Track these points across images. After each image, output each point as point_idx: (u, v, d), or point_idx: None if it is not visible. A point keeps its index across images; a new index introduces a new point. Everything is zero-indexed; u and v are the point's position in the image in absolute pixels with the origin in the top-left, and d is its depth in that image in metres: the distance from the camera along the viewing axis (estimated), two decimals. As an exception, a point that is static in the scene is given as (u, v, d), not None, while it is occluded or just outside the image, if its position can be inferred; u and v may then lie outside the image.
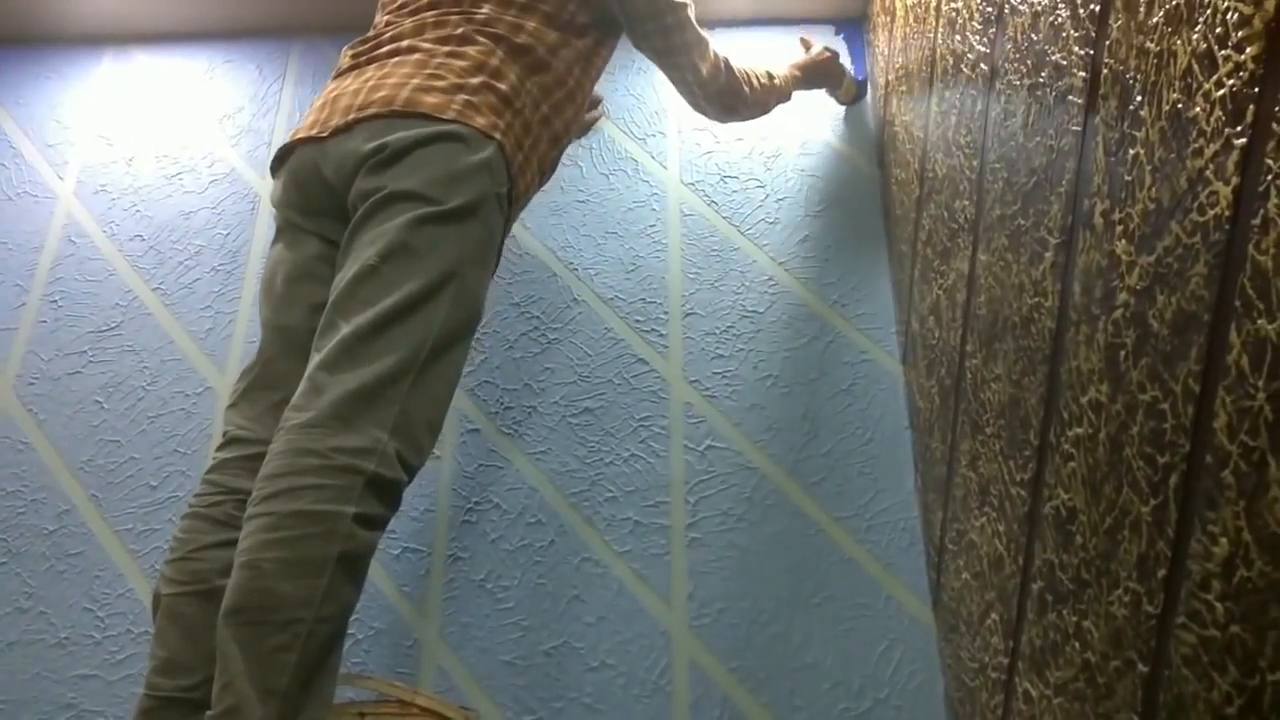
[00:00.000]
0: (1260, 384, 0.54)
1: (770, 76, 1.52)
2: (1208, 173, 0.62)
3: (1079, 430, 0.84)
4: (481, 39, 1.19)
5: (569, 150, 1.74)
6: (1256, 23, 0.57)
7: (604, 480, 1.43)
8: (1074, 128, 0.86)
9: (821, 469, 1.42)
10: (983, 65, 1.10)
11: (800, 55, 1.66)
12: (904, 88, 1.49)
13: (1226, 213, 0.60)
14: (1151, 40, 0.71)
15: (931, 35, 1.32)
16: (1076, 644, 0.85)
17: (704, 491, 1.41)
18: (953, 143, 1.22)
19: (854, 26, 1.85)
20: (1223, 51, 0.61)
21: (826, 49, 1.67)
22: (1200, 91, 0.64)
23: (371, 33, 1.27)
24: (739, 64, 1.46)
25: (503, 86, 1.18)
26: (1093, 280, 0.82)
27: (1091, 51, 0.82)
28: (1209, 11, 0.62)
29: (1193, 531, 0.62)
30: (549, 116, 1.24)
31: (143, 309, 1.63)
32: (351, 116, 1.13)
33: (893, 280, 1.57)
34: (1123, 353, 0.76)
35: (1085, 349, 0.83)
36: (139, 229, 1.71)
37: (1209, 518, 0.60)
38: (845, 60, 1.80)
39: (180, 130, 1.83)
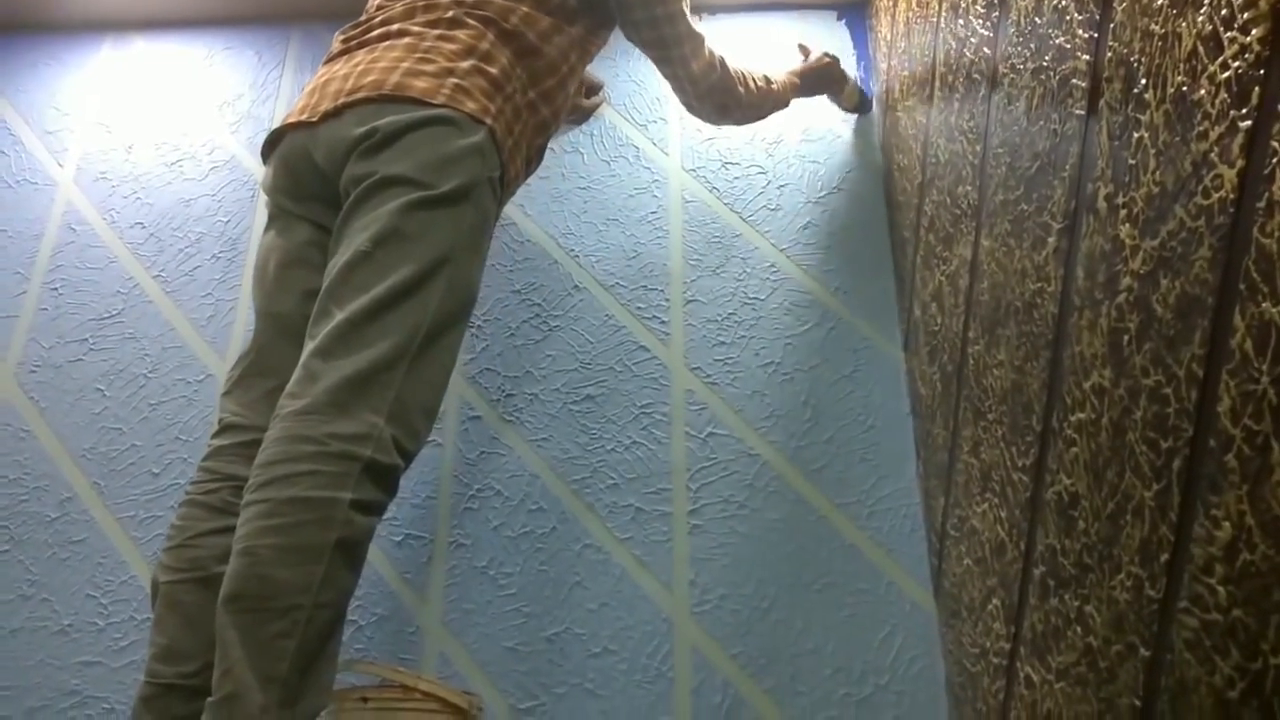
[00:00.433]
0: (1264, 368, 0.54)
1: (768, 80, 1.50)
2: (1212, 156, 0.62)
3: (1081, 415, 0.84)
4: (472, 22, 1.19)
5: (570, 137, 1.73)
6: (1262, 4, 0.56)
7: (605, 467, 1.43)
8: (1078, 112, 0.85)
9: (823, 455, 1.42)
10: (986, 50, 1.10)
11: (799, 63, 1.64)
12: (906, 73, 1.48)
13: (1231, 196, 0.59)
14: (1156, 23, 0.70)
15: (935, 20, 1.31)
16: (1078, 629, 0.85)
17: (705, 478, 1.41)
18: (955, 128, 1.22)
19: (856, 12, 1.84)
20: (1228, 34, 0.60)
21: (826, 54, 1.64)
22: (1205, 74, 0.63)
23: (363, 17, 1.26)
24: (735, 65, 1.45)
25: (493, 70, 1.17)
26: (1096, 265, 0.82)
27: (1095, 35, 0.81)
28: (1215, -7, 0.62)
29: (1195, 516, 0.62)
30: (537, 102, 1.23)
31: (143, 296, 1.63)
32: (341, 101, 1.13)
33: (895, 267, 1.57)
34: (1126, 337, 0.76)
35: (1088, 334, 0.83)
36: (139, 216, 1.71)
37: (1212, 502, 0.59)
38: (849, 65, 1.78)
39: (180, 117, 1.82)
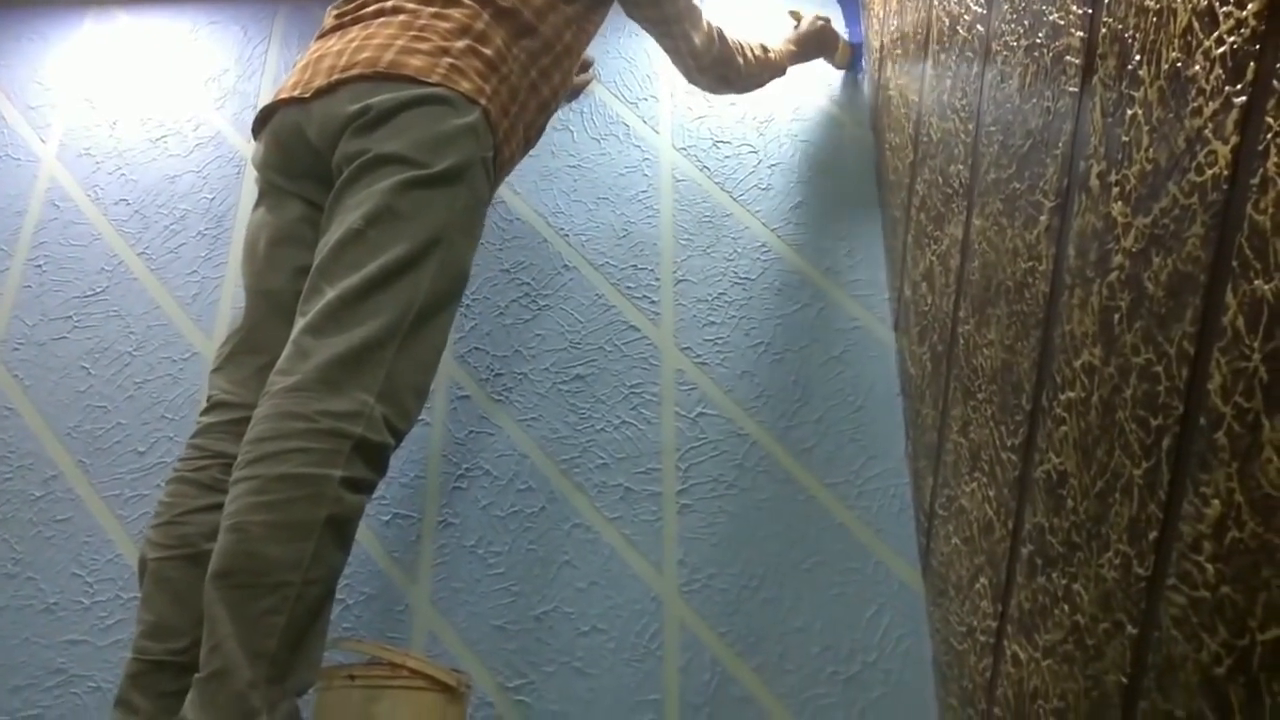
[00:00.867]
0: (1256, 345, 0.54)
1: (764, 49, 1.52)
2: (1206, 132, 0.62)
3: (1071, 394, 0.84)
4: (467, 1, 1.17)
5: (560, 114, 1.72)
6: (1260, -24, 0.56)
7: (595, 447, 1.43)
8: (1071, 89, 0.85)
9: (812, 435, 1.42)
10: (979, 26, 1.09)
11: (791, 30, 1.66)
12: (899, 51, 1.47)
13: (1225, 172, 0.59)
14: (1151, -3, 0.70)
15: (927, -3, 1.30)
16: (1066, 607, 0.85)
17: (695, 458, 1.41)
18: (948, 106, 1.21)
19: (849, -10, 1.83)
20: (1224, 8, 0.60)
21: (819, 17, 1.66)
22: (1200, 49, 0.63)
23: None
24: (733, 35, 1.46)
25: (488, 51, 1.16)
26: (1088, 243, 0.82)
27: (1090, 10, 0.81)
28: (1211, -34, 0.61)
29: (1185, 494, 0.62)
30: (536, 82, 1.22)
31: (128, 274, 1.61)
32: (335, 77, 1.11)
33: (885, 246, 1.56)
34: (1117, 316, 0.76)
35: (1079, 313, 0.83)
36: (123, 193, 1.69)
37: (1201, 480, 0.59)
38: (839, 25, 1.77)
39: (165, 93, 1.80)
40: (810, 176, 1.64)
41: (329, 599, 0.99)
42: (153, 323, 1.56)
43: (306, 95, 1.13)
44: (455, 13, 1.16)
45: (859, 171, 1.64)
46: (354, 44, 1.14)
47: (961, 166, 1.16)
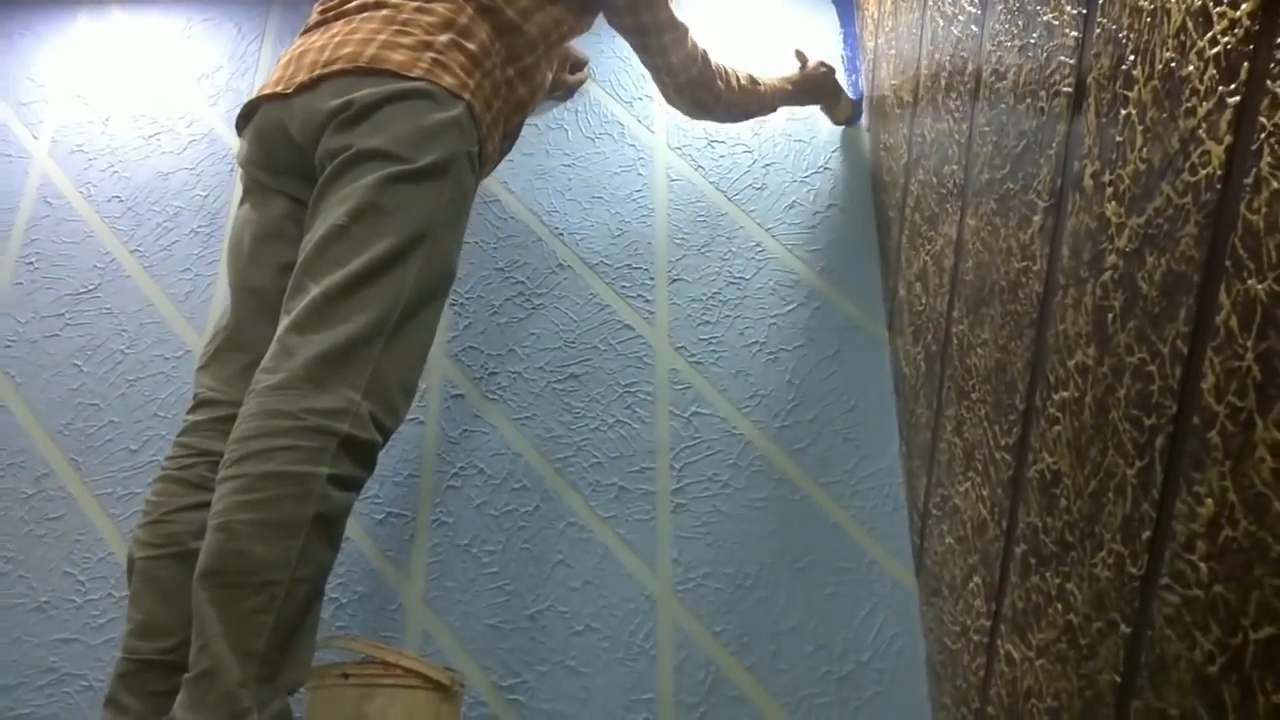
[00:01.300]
0: (1249, 344, 0.54)
1: (754, 81, 1.48)
2: (1200, 132, 0.62)
3: (1065, 394, 0.84)
4: None
5: (555, 113, 1.71)
6: (1254, -23, 0.56)
7: (589, 446, 1.43)
8: (1065, 89, 0.85)
9: (807, 435, 1.42)
10: (973, 26, 1.09)
11: (794, 69, 1.62)
12: (893, 52, 1.47)
13: (1219, 172, 0.59)
14: (1146, -2, 0.70)
15: (922, -3, 1.30)
16: (1059, 606, 0.85)
17: (689, 457, 1.41)
18: (942, 106, 1.21)
19: (844, -10, 1.83)
20: (1217, 8, 0.60)
21: (822, 64, 1.61)
22: (1194, 49, 0.63)
23: None
24: (721, 62, 1.43)
25: (471, 46, 1.16)
26: (1081, 243, 0.82)
27: (1083, 11, 0.81)
28: (1205, -33, 0.61)
29: (1178, 493, 0.62)
30: (515, 80, 1.22)
31: (121, 271, 1.61)
32: (317, 73, 1.11)
33: (880, 246, 1.56)
34: (1110, 315, 0.76)
35: (1073, 312, 0.83)
36: (116, 190, 1.68)
37: (1195, 479, 0.60)
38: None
39: (158, 90, 1.79)
40: (805, 176, 1.64)
41: (318, 597, 0.99)
42: (145, 320, 1.56)
43: (289, 91, 1.13)
44: (439, 7, 1.16)
45: (853, 172, 1.64)
46: (336, 39, 1.14)
47: (955, 166, 1.16)
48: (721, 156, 1.66)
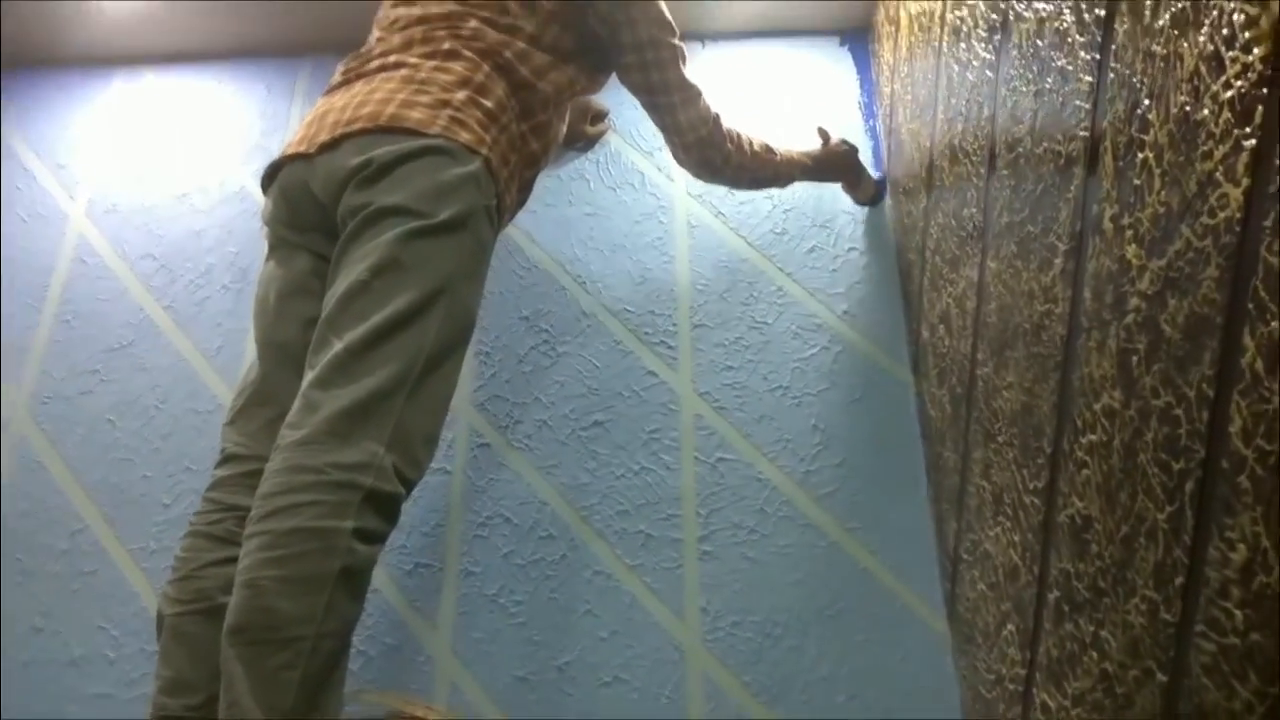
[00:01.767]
0: (1276, 386, 0.54)
1: (769, 149, 1.46)
2: (1217, 175, 0.62)
3: (1092, 437, 0.84)
4: (468, 54, 1.20)
5: (576, 164, 1.74)
6: (1263, 23, 0.56)
7: (615, 493, 1.42)
8: (1081, 132, 0.85)
9: (833, 480, 1.41)
10: (988, 72, 1.10)
11: (817, 145, 1.60)
12: (909, 96, 1.49)
13: (1237, 215, 0.59)
14: (1158, 43, 0.71)
15: (936, 44, 1.32)
16: (1094, 654, 0.84)
17: (715, 504, 1.41)
18: (959, 150, 1.22)
19: (858, 37, 1.85)
20: (1230, 53, 0.60)
21: (844, 141, 1.59)
22: (1208, 94, 0.63)
23: (363, 49, 1.28)
24: (736, 127, 1.42)
25: (488, 102, 1.18)
26: (1103, 286, 0.82)
27: (1097, 56, 0.82)
28: (1215, 13, 0.62)
29: (1210, 538, 0.61)
30: (528, 135, 1.24)
31: (154, 327, 1.64)
32: (339, 132, 1.14)
33: (902, 289, 1.57)
34: (1135, 358, 0.76)
35: (1097, 355, 0.83)
36: (150, 248, 1.72)
37: (1226, 524, 0.59)
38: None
39: (190, 149, 1.84)
40: (825, 221, 1.65)
41: (345, 651, 0.99)
42: (178, 375, 1.58)
43: (311, 151, 1.15)
44: (456, 65, 1.19)
45: (872, 215, 1.65)
46: (357, 99, 1.17)
47: (974, 210, 1.17)
48: (742, 203, 1.67)
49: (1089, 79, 0.83)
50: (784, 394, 1.49)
